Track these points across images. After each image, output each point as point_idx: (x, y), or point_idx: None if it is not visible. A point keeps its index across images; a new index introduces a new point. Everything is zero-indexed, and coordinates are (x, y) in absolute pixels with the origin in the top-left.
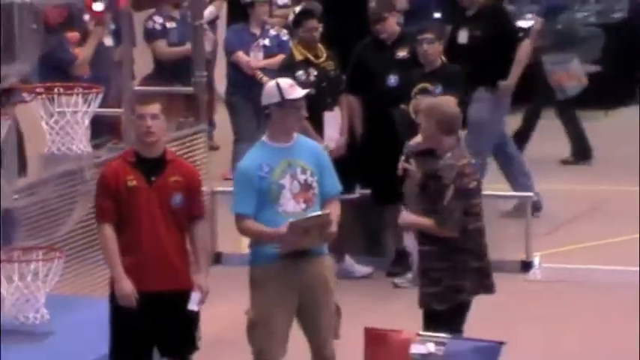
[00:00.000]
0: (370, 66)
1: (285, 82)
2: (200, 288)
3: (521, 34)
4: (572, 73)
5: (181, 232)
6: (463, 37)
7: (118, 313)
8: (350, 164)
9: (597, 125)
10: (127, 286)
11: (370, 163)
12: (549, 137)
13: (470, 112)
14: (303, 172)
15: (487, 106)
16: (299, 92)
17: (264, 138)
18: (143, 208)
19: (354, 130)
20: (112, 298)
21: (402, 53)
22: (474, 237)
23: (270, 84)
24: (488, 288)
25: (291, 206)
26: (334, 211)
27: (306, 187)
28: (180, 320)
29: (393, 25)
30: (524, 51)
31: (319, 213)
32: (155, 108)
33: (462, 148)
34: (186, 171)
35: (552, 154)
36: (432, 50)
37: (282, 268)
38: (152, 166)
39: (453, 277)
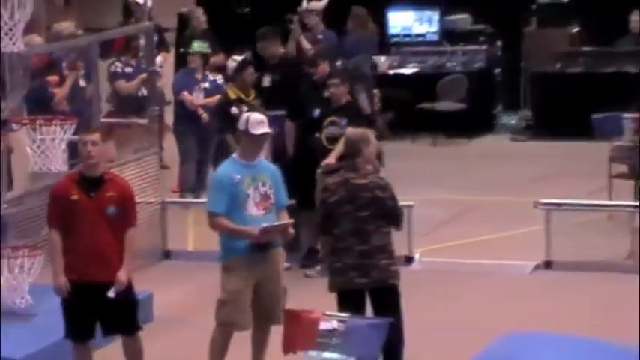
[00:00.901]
0: (304, 100)
1: (254, 117)
2: (118, 280)
3: None
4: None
5: (116, 236)
6: (266, 81)
7: (64, 299)
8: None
9: (462, 149)
10: (61, 281)
11: (295, 177)
12: (422, 157)
13: None
14: (264, 185)
15: None
16: (261, 130)
17: (234, 155)
18: (84, 217)
19: (286, 150)
20: None
21: (327, 92)
22: (335, 242)
23: (244, 115)
24: (345, 283)
25: (254, 211)
26: (286, 217)
27: (265, 197)
28: (118, 305)
29: (325, 69)
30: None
31: (283, 222)
32: (95, 137)
33: (349, 169)
34: (121, 188)
35: (423, 170)
36: (338, 91)
37: (248, 259)
38: (92, 183)
39: (329, 273)
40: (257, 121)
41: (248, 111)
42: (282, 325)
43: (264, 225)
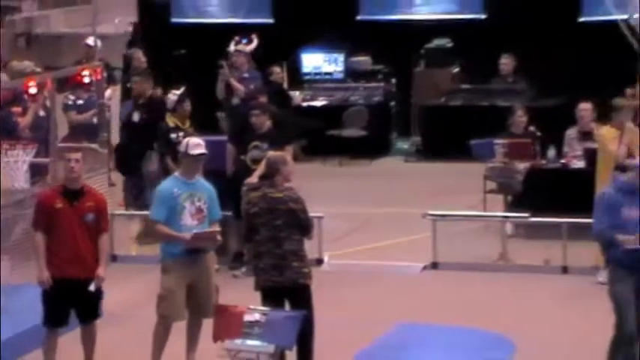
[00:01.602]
0: (245, 128)
1: (193, 141)
2: (98, 276)
3: None
4: None
5: (92, 239)
6: (136, 116)
7: (46, 291)
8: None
9: (365, 169)
10: (44, 275)
11: (231, 192)
12: (331, 176)
13: None
14: (199, 200)
15: None
16: (198, 150)
17: (176, 174)
18: (66, 223)
19: (225, 169)
20: None
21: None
22: (257, 246)
23: (184, 140)
24: (265, 281)
25: (189, 221)
26: (217, 228)
27: (199, 210)
28: (89, 297)
29: (263, 102)
30: None
31: (212, 229)
32: (78, 155)
33: (269, 185)
34: (98, 199)
35: (331, 187)
36: (259, 121)
37: (183, 262)
38: (74, 194)
39: (254, 273)
40: (194, 144)
41: (183, 137)
42: (212, 318)
43: (195, 231)
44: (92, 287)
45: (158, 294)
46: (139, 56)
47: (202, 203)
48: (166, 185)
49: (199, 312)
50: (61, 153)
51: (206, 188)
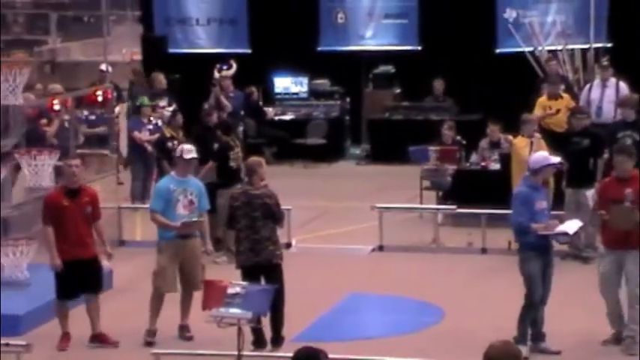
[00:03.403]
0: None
1: (186, 147)
2: (107, 253)
3: None
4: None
5: (90, 227)
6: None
7: (57, 272)
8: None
9: (324, 171)
10: (56, 261)
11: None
12: (297, 176)
13: None
14: (191, 194)
15: None
16: (191, 154)
17: (172, 173)
18: (69, 216)
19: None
20: None
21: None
22: (237, 233)
23: (179, 146)
24: (244, 261)
25: (182, 211)
26: (204, 217)
27: (190, 202)
28: (92, 273)
29: (214, 118)
30: None
31: (199, 219)
32: (77, 161)
33: (248, 184)
34: (92, 195)
35: (298, 185)
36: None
37: (175, 244)
38: (74, 193)
39: (235, 254)
40: (187, 150)
41: (179, 144)
42: (201, 291)
43: (184, 220)
44: (105, 263)
45: (153, 270)
46: (161, 79)
47: (193, 197)
48: (163, 183)
49: (189, 286)
50: (64, 160)
51: (197, 185)
